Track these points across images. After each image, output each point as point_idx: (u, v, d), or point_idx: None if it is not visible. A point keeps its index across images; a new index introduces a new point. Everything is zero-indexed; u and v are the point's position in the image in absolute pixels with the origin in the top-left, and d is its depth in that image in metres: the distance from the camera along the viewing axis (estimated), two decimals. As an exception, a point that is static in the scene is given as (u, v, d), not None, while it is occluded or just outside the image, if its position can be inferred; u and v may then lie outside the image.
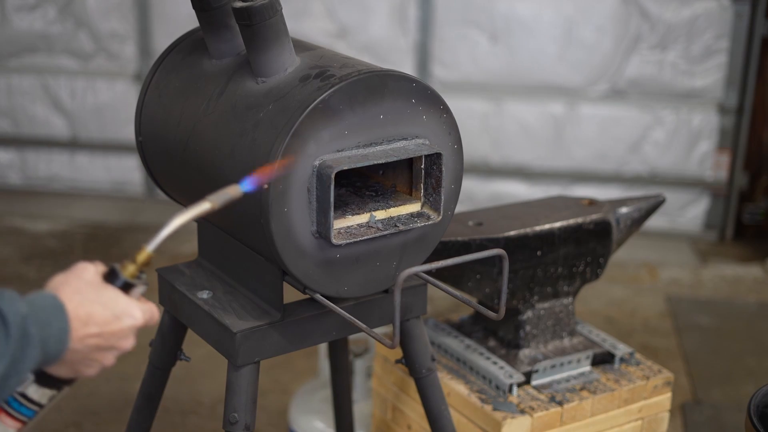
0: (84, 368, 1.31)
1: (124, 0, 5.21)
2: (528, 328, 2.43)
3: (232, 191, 1.42)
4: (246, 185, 1.45)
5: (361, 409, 2.88)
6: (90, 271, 1.30)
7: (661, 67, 4.95)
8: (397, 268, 1.89)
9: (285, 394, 3.48)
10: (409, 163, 1.89)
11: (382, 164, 1.86)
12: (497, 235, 2.32)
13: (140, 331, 1.36)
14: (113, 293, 1.31)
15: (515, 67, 5.02)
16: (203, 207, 1.39)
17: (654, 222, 4.88)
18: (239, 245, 1.93)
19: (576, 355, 2.44)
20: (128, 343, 1.33)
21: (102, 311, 1.28)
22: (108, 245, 4.84)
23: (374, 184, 1.96)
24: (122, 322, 1.29)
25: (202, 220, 2.07)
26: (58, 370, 1.30)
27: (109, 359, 1.32)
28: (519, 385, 2.37)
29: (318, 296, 1.83)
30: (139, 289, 1.36)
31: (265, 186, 1.62)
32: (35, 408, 1.31)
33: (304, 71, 1.77)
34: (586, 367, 2.47)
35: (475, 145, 5.07)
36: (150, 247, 1.36)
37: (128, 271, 1.35)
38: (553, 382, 2.41)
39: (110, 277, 1.33)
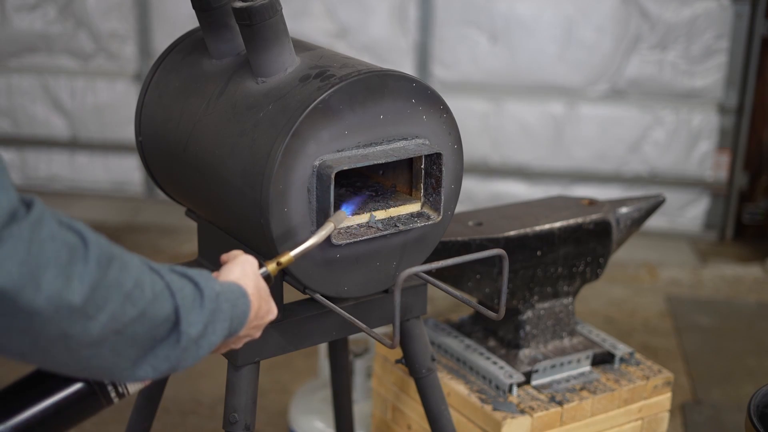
0: (224, 347, 1.44)
1: (124, 0, 5.21)
2: (528, 328, 2.43)
3: (343, 215, 1.68)
4: (348, 207, 1.75)
5: (361, 409, 2.88)
6: (256, 266, 1.46)
7: (661, 67, 4.95)
8: (397, 268, 1.89)
9: (285, 394, 3.48)
10: (409, 163, 1.89)
11: (382, 164, 1.86)
12: (497, 235, 2.32)
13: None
14: (268, 290, 1.47)
15: (515, 67, 5.02)
16: (329, 227, 1.63)
17: (654, 222, 4.88)
18: (239, 245, 1.93)
19: (576, 355, 2.44)
20: (260, 333, 1.48)
21: (264, 306, 1.44)
22: (108, 245, 4.84)
23: (374, 184, 1.96)
24: (268, 317, 1.47)
25: (201, 220, 2.07)
26: None
27: (240, 344, 1.46)
28: (519, 385, 2.37)
29: (318, 296, 1.83)
30: None
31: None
32: None
33: (304, 71, 1.77)
34: (586, 367, 2.47)
35: (475, 145, 5.07)
36: (293, 252, 1.56)
37: (270, 267, 1.53)
38: (553, 382, 2.41)
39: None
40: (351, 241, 1.77)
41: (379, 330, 2.78)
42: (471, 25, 5.00)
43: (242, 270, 1.42)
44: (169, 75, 2.01)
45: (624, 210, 2.53)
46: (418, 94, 1.79)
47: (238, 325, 1.36)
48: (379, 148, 1.77)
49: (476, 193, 5.20)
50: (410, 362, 2.10)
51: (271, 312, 1.47)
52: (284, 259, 1.55)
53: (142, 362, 1.21)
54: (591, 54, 4.95)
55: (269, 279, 1.51)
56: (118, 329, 1.15)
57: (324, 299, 1.82)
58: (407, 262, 1.91)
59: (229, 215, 1.86)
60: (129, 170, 5.52)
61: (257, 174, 1.69)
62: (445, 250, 2.29)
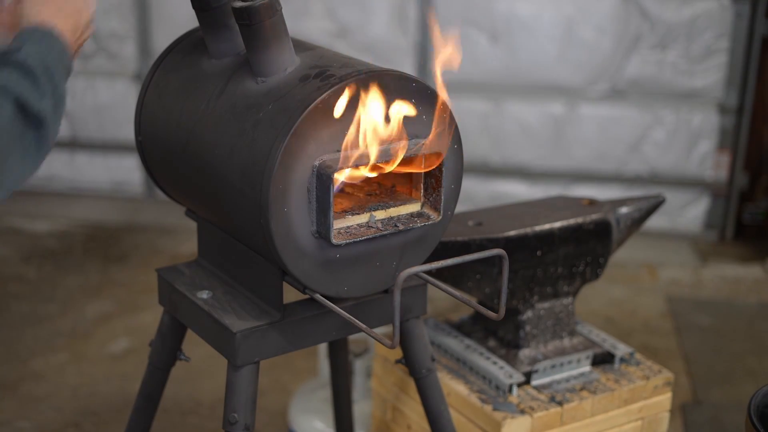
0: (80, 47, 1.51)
1: (124, 0, 5.21)
2: (528, 328, 2.43)
3: None
4: None
5: (361, 409, 2.88)
6: None
7: (661, 67, 4.95)
8: (397, 268, 1.89)
9: (285, 394, 3.47)
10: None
11: (382, 164, 1.86)
12: (497, 235, 2.32)
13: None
14: None
15: (515, 67, 5.02)
16: None
17: (654, 222, 4.87)
18: (239, 245, 1.93)
19: (576, 355, 2.44)
20: (89, 30, 1.60)
21: (74, 16, 1.53)
22: (107, 245, 4.84)
23: (374, 184, 1.96)
24: (86, 14, 1.61)
25: (201, 220, 2.07)
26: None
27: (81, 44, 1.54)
28: (519, 385, 2.36)
29: (318, 296, 1.82)
30: None
31: None
32: None
33: (304, 71, 1.77)
34: (586, 367, 2.47)
35: (475, 145, 5.07)
36: None
37: None
38: (553, 382, 2.41)
39: None
40: (351, 241, 1.77)
41: (379, 330, 2.78)
42: (471, 25, 5.00)
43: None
44: (168, 75, 2.01)
45: (624, 210, 2.53)
46: (418, 93, 1.79)
47: (66, 58, 1.43)
48: (379, 147, 1.77)
49: (476, 193, 5.20)
50: (410, 362, 2.10)
51: (88, 4, 1.54)
52: None
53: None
54: (591, 54, 4.95)
55: None
56: None
57: (324, 299, 1.82)
58: (407, 262, 1.90)
59: (229, 215, 1.86)
60: (129, 170, 5.52)
61: (257, 174, 1.69)
62: (445, 250, 2.29)
